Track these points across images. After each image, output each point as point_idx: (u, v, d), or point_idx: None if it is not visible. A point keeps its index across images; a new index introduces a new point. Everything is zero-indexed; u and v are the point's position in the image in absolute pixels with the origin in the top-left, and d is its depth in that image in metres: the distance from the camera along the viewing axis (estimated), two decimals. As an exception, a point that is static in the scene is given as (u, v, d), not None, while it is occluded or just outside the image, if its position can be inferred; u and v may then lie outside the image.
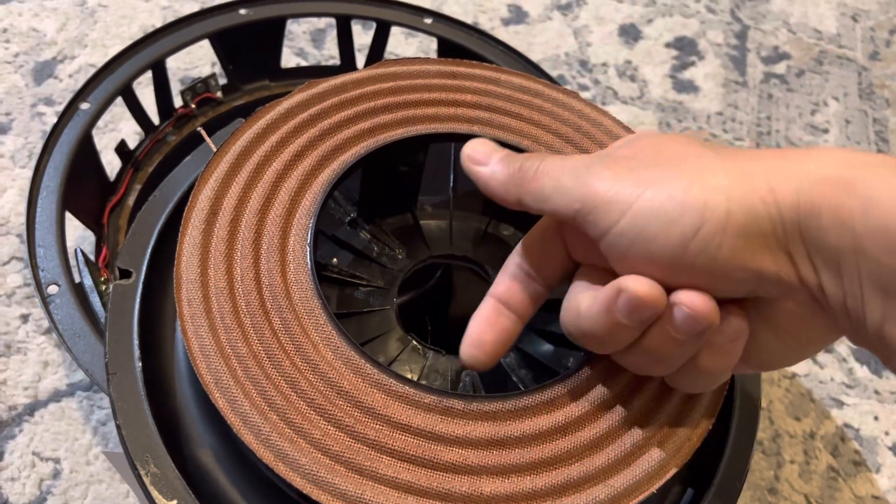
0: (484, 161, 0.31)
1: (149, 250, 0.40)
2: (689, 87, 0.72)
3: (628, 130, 0.44)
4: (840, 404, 0.55)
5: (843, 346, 0.58)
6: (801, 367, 0.56)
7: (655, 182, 0.26)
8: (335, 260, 0.44)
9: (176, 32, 0.52)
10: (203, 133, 0.44)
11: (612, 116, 0.45)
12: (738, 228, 0.25)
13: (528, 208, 0.30)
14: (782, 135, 0.70)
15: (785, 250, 0.25)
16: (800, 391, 0.55)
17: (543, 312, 0.43)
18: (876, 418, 0.54)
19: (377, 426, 0.32)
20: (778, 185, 0.25)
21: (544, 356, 0.41)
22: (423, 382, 0.36)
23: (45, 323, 0.50)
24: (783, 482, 0.51)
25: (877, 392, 0.56)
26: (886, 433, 0.54)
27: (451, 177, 0.46)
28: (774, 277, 0.26)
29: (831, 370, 0.56)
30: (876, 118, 0.73)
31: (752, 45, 0.77)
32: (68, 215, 0.46)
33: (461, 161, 0.32)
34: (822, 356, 0.57)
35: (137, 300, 0.38)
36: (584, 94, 0.69)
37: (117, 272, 0.40)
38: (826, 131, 0.71)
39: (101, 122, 0.56)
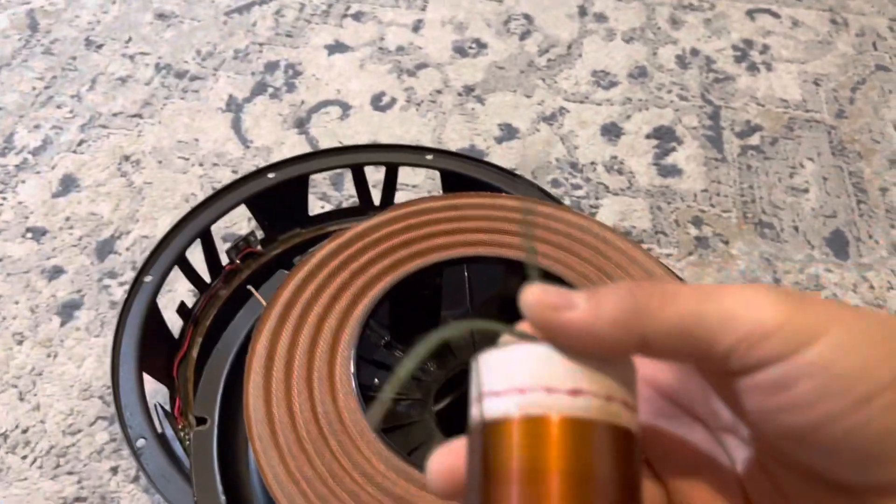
0: (567, 303, 0.22)
1: (219, 397, 0.47)
2: (673, 171, 0.79)
3: (615, 232, 0.51)
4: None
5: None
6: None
7: (839, 318, 0.21)
8: (376, 380, 0.50)
9: (217, 203, 0.60)
10: (254, 291, 0.52)
11: (597, 221, 0.51)
12: None
13: (652, 346, 0.22)
14: (766, 200, 0.77)
15: None
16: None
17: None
18: None
19: (431, 522, 0.38)
20: None
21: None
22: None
23: (133, 472, 0.56)
24: None
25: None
26: None
27: (468, 292, 0.53)
28: None
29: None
30: (851, 171, 0.79)
31: (725, 123, 0.84)
32: (145, 375, 0.53)
33: (530, 315, 0.22)
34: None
35: (215, 442, 0.44)
36: (578, 193, 0.76)
37: (193, 420, 0.46)
38: (806, 191, 0.78)
39: (159, 287, 0.65)
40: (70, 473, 0.57)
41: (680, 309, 0.21)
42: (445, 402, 0.51)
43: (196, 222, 0.59)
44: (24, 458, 0.57)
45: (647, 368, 0.26)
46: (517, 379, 0.23)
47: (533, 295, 0.22)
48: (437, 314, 0.53)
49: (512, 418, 0.23)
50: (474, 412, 0.25)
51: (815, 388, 0.20)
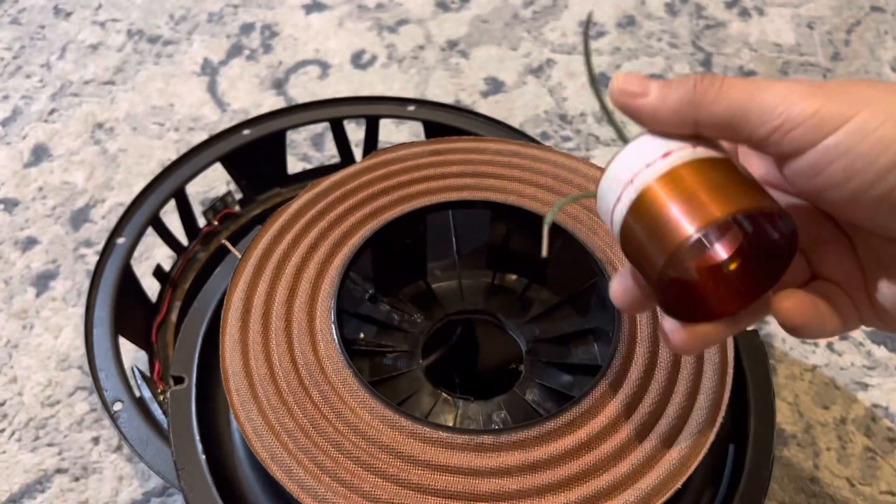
0: (642, 92, 0.28)
1: (196, 355, 0.45)
2: (665, 119, 0.76)
3: (603, 171, 0.48)
4: (865, 387, 0.57)
5: (858, 331, 0.60)
6: (819, 358, 0.58)
7: (873, 101, 0.24)
8: (362, 334, 0.48)
9: (190, 161, 0.58)
10: (228, 244, 0.49)
11: (585, 161, 0.49)
12: None
13: (704, 130, 0.27)
14: (762, 146, 0.74)
15: None
16: (823, 381, 0.57)
17: (560, 347, 0.47)
18: (903, 394, 0.56)
19: (419, 471, 0.36)
20: None
21: (565, 386, 0.45)
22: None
23: (115, 441, 0.54)
24: (823, 470, 0.53)
25: (898, 369, 0.58)
26: (915, 406, 0.55)
27: (454, 241, 0.51)
28: None
29: (850, 356, 0.58)
30: (848, 113, 0.77)
31: (717, 70, 0.81)
32: (122, 339, 0.51)
33: (613, 99, 0.29)
34: (837, 343, 0.59)
35: (193, 400, 0.42)
36: (568, 145, 0.74)
37: (171, 380, 0.44)
38: (803, 134, 0.75)
39: (137, 253, 0.62)
40: (50, 445, 0.54)
41: (728, 102, 0.26)
42: (435, 355, 0.49)
43: (169, 182, 0.57)
44: (2, 431, 0.55)
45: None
46: (628, 172, 0.28)
47: (618, 81, 0.28)
48: (423, 264, 0.51)
49: (648, 185, 0.27)
50: (619, 209, 0.28)
51: (842, 168, 0.24)
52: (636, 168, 0.28)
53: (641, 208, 0.27)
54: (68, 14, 0.86)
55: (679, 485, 0.36)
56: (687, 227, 0.26)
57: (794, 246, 0.28)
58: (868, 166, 0.24)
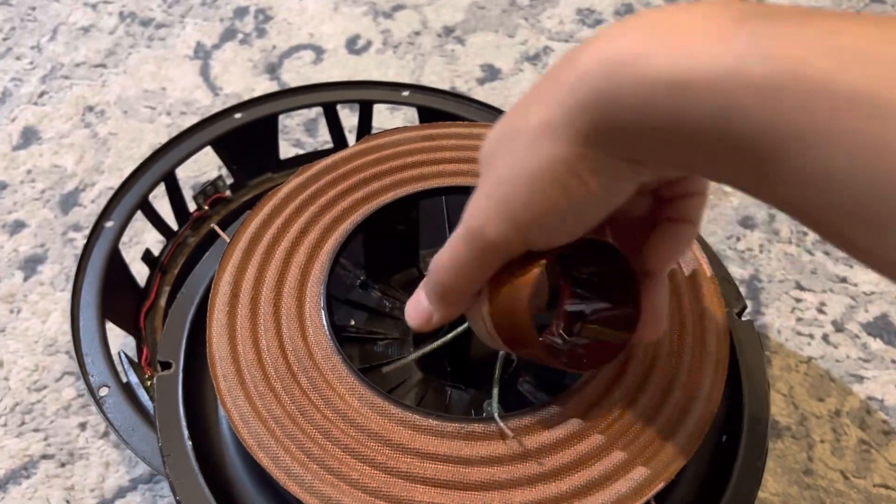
0: (427, 316, 0.34)
1: (183, 341, 0.44)
2: (662, 109, 0.75)
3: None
4: (860, 379, 0.56)
5: (854, 324, 0.59)
6: (815, 350, 0.58)
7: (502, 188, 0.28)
8: (353, 321, 0.47)
9: (180, 145, 0.57)
10: (217, 229, 0.49)
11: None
12: (588, 172, 0.26)
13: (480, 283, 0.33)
14: (759, 136, 0.74)
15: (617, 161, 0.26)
16: (818, 373, 0.57)
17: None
18: (898, 386, 0.56)
19: (408, 459, 0.35)
20: (574, 121, 0.25)
21: (559, 376, 0.44)
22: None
23: (102, 427, 0.54)
24: (817, 462, 0.52)
25: (894, 361, 0.57)
26: (910, 399, 0.55)
27: (447, 227, 0.50)
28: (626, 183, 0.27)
29: (846, 348, 0.58)
30: (847, 104, 0.76)
31: (716, 59, 0.81)
32: (109, 324, 0.50)
33: (414, 330, 0.37)
34: (833, 335, 0.59)
35: (180, 386, 0.42)
36: (565, 133, 0.73)
37: (158, 366, 0.44)
38: (801, 125, 0.75)
39: (126, 238, 0.62)
40: (36, 430, 0.54)
41: (448, 280, 0.32)
42: (427, 349, 0.48)
43: (159, 165, 0.56)
44: (-12, 417, 0.55)
45: None
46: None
47: (409, 318, 0.35)
48: (416, 251, 0.50)
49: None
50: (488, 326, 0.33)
51: (554, 233, 0.29)
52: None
53: (493, 305, 0.32)
54: (59, -5, 0.85)
55: (672, 475, 0.35)
56: (529, 274, 0.30)
57: (617, 249, 0.31)
58: (561, 229, 0.28)
